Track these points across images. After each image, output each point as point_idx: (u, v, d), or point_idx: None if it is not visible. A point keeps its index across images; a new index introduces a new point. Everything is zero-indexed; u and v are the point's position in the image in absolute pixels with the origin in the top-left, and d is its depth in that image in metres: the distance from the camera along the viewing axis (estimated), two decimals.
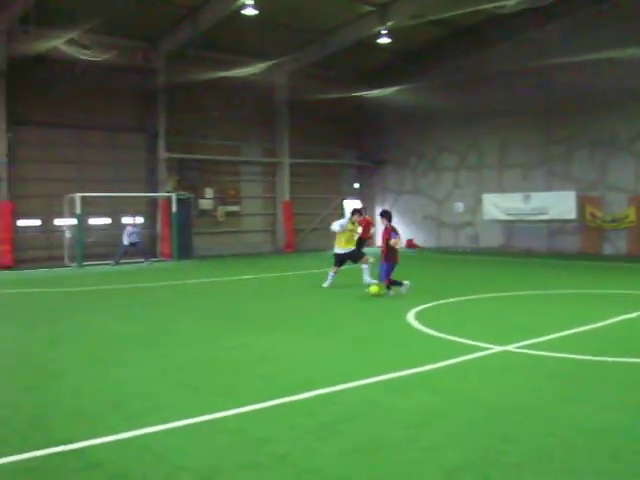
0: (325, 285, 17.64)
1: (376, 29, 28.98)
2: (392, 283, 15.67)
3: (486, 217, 32.29)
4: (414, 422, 6.47)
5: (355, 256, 18.03)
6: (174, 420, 6.46)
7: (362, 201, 37.53)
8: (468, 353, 9.31)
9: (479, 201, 32.73)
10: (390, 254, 15.50)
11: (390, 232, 15.58)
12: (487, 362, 9.01)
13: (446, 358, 8.98)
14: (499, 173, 32.62)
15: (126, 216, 28.84)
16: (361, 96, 34.19)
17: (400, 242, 16.00)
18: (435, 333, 10.85)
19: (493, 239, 32.66)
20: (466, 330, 10.97)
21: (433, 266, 26.06)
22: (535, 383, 7.90)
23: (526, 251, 30.54)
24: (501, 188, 32.27)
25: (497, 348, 9.63)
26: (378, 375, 8.10)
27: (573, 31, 28.74)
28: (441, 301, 14.58)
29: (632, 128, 28.05)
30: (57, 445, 5.82)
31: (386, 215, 16.14)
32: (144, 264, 26.79)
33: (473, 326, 11.65)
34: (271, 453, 5.65)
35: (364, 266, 17.86)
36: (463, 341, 10.13)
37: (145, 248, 28.00)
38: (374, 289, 15.75)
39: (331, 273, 17.89)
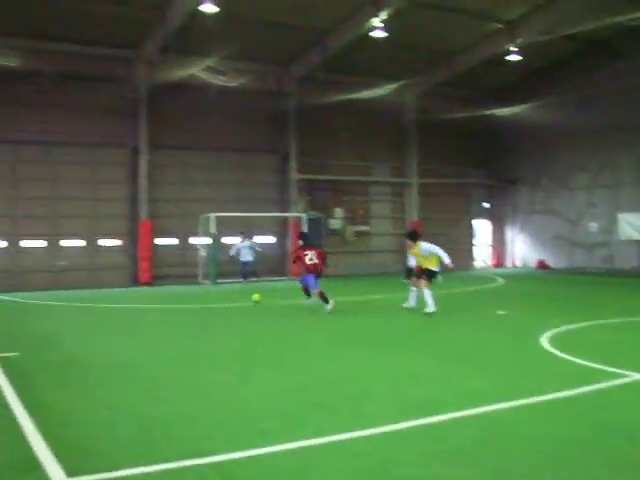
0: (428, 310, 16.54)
1: (505, 47, 28.66)
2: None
3: (622, 237, 31.23)
4: (548, 449, 6.25)
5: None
6: (306, 439, 6.52)
7: (492, 221, 37.10)
8: (606, 379, 8.97)
9: (614, 221, 31.69)
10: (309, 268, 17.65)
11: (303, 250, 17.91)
12: (627, 389, 8.70)
13: (582, 384, 8.69)
14: (636, 191, 31.46)
15: (258, 235, 29.66)
16: (490, 114, 33.83)
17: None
18: (570, 357, 10.57)
19: (629, 260, 31.52)
20: (602, 355, 10.60)
21: (565, 288, 25.41)
22: None
23: None
24: (638, 207, 31.11)
25: (637, 376, 9.30)
26: (511, 400, 7.92)
27: None
28: (575, 324, 14.20)
29: None
30: (191, 458, 5.94)
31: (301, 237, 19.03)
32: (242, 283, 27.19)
33: (609, 351, 11.26)
34: (400, 477, 5.58)
35: (414, 289, 17.30)
36: (599, 367, 9.79)
37: (252, 268, 27.94)
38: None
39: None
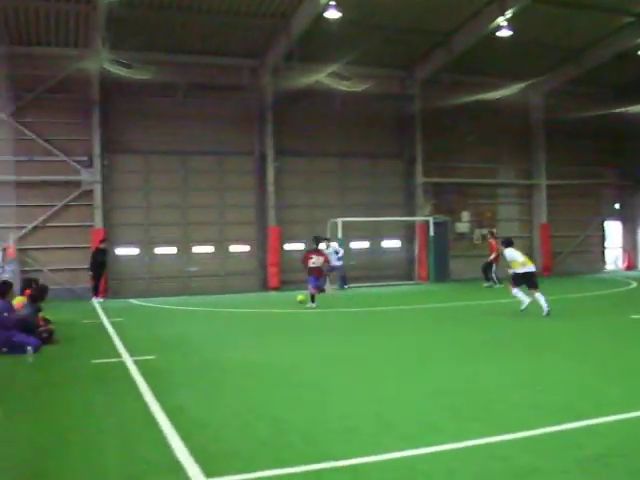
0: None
1: (637, 40, 27.66)
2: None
3: None
4: None
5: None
6: (443, 443, 6.46)
7: (623, 222, 35.91)
8: None
9: None
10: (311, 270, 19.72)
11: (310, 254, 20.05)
12: None
13: None
14: None
15: (385, 239, 29.71)
16: (620, 112, 32.68)
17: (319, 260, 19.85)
18: None
19: None
20: None
21: None
22: None
23: None
24: None
25: None
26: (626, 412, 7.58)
27: None
28: None
29: None
30: (329, 461, 5.98)
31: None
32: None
33: None
34: None
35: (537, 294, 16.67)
36: None
37: (341, 274, 27.53)
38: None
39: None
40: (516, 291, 16.82)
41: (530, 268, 16.82)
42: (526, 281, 16.66)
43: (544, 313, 15.83)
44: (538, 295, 16.28)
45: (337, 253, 26.31)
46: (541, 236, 33.54)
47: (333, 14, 22.26)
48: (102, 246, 24.77)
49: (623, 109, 32.39)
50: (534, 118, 33.60)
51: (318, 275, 19.76)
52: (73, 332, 15.54)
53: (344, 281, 27.33)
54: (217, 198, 28.59)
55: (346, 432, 6.94)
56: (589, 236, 35.61)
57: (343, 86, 27.17)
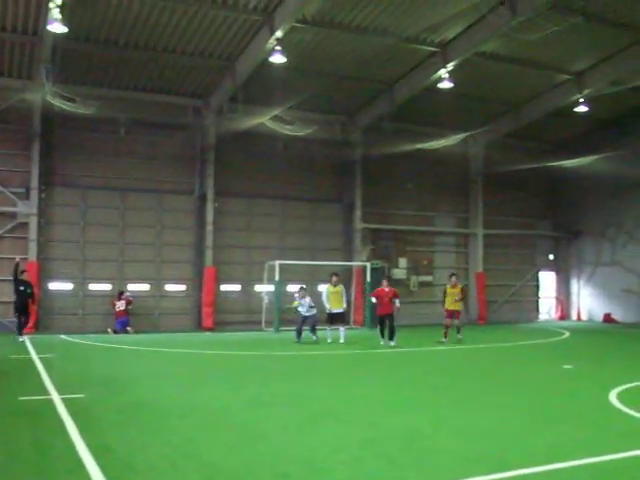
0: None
1: (573, 98, 28.52)
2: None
3: None
4: None
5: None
6: None
7: (557, 273, 36.69)
8: None
9: None
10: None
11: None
12: None
13: None
14: None
15: (322, 284, 29.57)
16: (557, 166, 33.54)
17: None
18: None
19: None
20: None
21: (634, 343, 24.86)
22: None
23: None
24: None
25: None
26: (578, 458, 7.73)
27: None
28: None
29: None
30: None
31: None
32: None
33: None
34: None
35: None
36: None
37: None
38: None
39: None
40: None
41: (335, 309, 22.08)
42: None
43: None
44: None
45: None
46: (477, 285, 33.98)
47: (278, 59, 22.46)
48: (22, 277, 22.94)
49: (559, 163, 33.24)
50: (473, 168, 34.25)
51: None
52: (0, 368, 15.16)
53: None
54: (155, 236, 28.37)
55: (276, 478, 6.86)
56: (524, 286, 36.22)
57: (286, 130, 27.36)
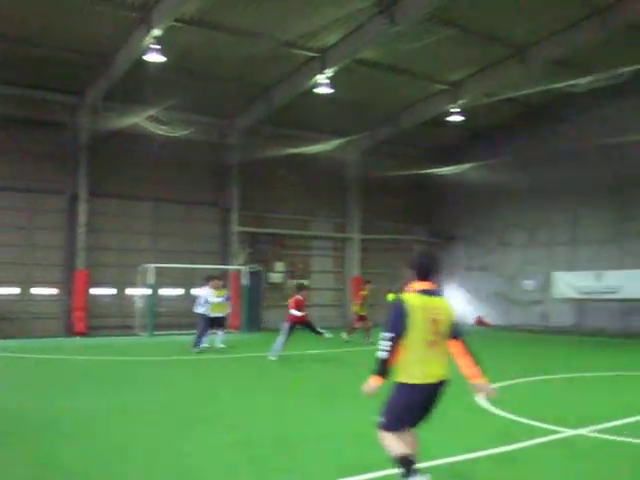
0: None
1: (448, 107, 29.25)
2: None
3: (557, 295, 31.74)
4: None
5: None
6: None
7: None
8: (540, 436, 9.09)
9: (549, 278, 32.27)
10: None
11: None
12: (559, 446, 8.76)
13: (516, 441, 8.77)
14: (570, 250, 32.16)
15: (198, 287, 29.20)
16: (432, 173, 34.33)
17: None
18: (506, 414, 10.64)
19: (564, 318, 32.00)
20: (536, 412, 10.73)
21: (502, 345, 25.67)
22: (609, 469, 7.65)
23: (598, 331, 29.82)
24: (572, 266, 31.76)
25: (570, 431, 9.39)
26: (443, 457, 7.92)
27: None
28: (511, 381, 14.31)
29: None
30: None
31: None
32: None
33: (544, 407, 11.40)
34: None
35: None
36: (535, 423, 9.90)
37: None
38: None
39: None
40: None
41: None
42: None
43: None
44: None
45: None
46: (353, 289, 34.31)
47: (155, 58, 22.04)
48: None
49: (434, 170, 34.02)
50: (351, 174, 34.59)
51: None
52: None
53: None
54: (24, 238, 27.23)
55: None
56: (400, 289, 36.67)
57: (161, 131, 26.88)
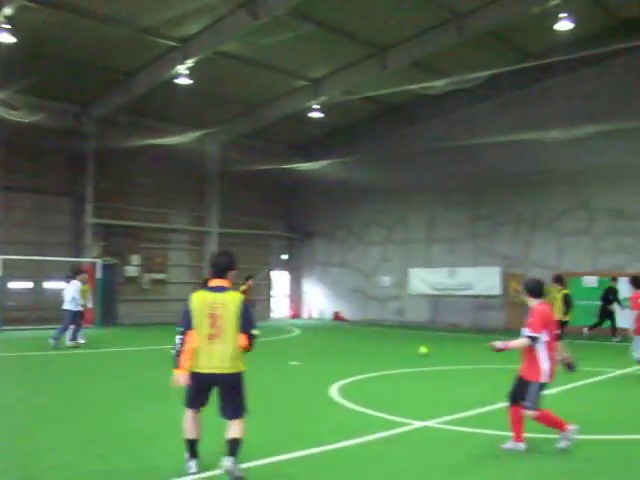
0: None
1: (308, 103, 29.40)
2: None
3: (412, 291, 32.56)
4: None
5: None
6: None
7: (290, 272, 37.68)
8: (389, 428, 9.24)
9: (405, 275, 33.08)
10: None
11: None
12: (408, 438, 8.96)
13: (366, 433, 8.88)
14: (426, 248, 33.10)
15: (50, 280, 28.26)
16: (292, 168, 34.45)
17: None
18: (357, 408, 10.76)
19: (419, 313, 32.88)
20: (388, 405, 10.92)
21: (358, 339, 26.09)
22: (454, 459, 7.84)
23: (451, 326, 30.80)
24: (428, 263, 32.71)
25: (418, 423, 9.59)
26: (294, 451, 7.95)
27: (500, 112, 29.79)
28: (364, 375, 14.54)
29: (554, 207, 28.93)
30: None
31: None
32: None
33: (396, 401, 11.61)
34: None
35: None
36: (384, 416, 10.06)
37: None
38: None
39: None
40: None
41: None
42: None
43: None
44: None
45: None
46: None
47: (6, 38, 20.95)
48: None
49: (294, 166, 34.14)
50: (210, 167, 34.22)
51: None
52: None
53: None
54: None
55: None
56: (258, 284, 36.72)
57: (10, 116, 25.63)
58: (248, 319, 6.80)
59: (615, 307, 24.22)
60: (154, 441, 8.46)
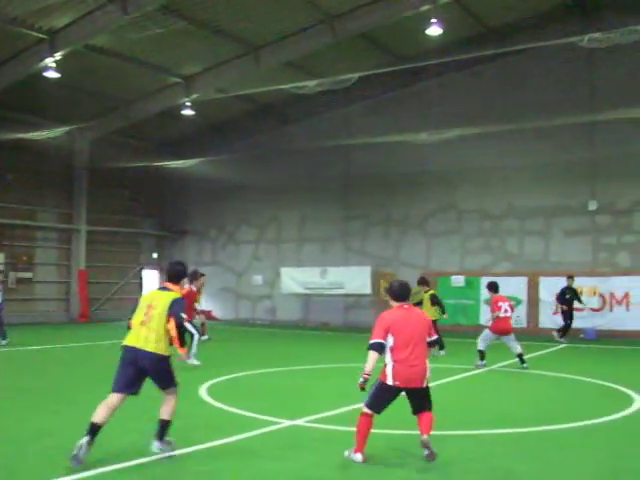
0: None
1: (181, 101, 29.07)
2: None
3: (284, 290, 32.71)
4: None
5: None
6: None
7: (160, 271, 37.20)
8: (257, 428, 9.27)
9: (277, 274, 33.19)
10: None
11: None
12: (276, 436, 9.02)
13: (234, 433, 8.89)
14: (298, 247, 33.35)
15: None
16: (164, 166, 33.94)
17: None
18: (226, 407, 10.76)
19: (291, 312, 33.09)
20: (258, 404, 10.95)
21: (230, 339, 26.07)
22: (321, 457, 7.96)
23: (322, 325, 31.12)
24: (299, 262, 32.95)
25: (287, 422, 9.67)
26: (161, 452, 7.85)
27: (373, 113, 30.35)
28: (235, 374, 14.55)
29: (424, 208, 29.75)
30: None
31: None
32: None
33: (266, 400, 11.66)
34: None
35: None
36: (253, 415, 10.09)
37: None
38: None
39: None
40: None
41: None
42: None
43: None
44: None
45: None
46: (79, 282, 33.14)
47: None
48: None
49: (165, 163, 33.65)
50: (79, 164, 33.31)
51: None
52: None
53: None
54: None
55: None
56: (127, 283, 36.13)
57: None
58: (175, 310, 7.80)
59: (577, 305, 24.69)
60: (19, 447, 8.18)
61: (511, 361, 16.58)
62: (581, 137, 26.22)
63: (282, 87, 25.34)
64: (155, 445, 7.77)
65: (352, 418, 9.94)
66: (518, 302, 26.54)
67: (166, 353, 7.72)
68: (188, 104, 29.08)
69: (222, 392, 12.19)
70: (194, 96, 28.61)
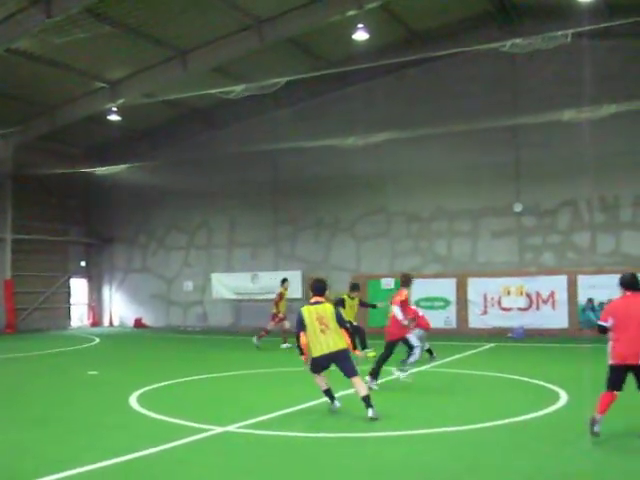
0: None
1: (107, 106, 28.66)
2: None
3: (215, 296, 32.56)
4: None
5: None
6: None
7: (89, 279, 36.64)
8: (189, 435, 9.18)
9: (208, 280, 33.01)
10: None
11: None
12: (208, 443, 8.97)
13: (166, 441, 8.78)
14: (228, 252, 33.21)
15: None
16: (91, 172, 33.37)
17: None
18: (157, 416, 10.64)
19: (222, 318, 32.94)
20: (189, 411, 10.89)
21: (160, 346, 25.80)
22: (253, 463, 7.94)
23: (254, 330, 30.92)
24: (230, 267, 32.83)
25: (219, 429, 9.61)
26: (91, 463, 7.72)
27: (301, 117, 30.31)
28: (166, 382, 14.39)
29: (353, 212, 29.92)
30: None
31: None
32: None
33: (197, 407, 11.60)
34: None
35: None
36: (185, 423, 10.00)
37: None
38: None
39: None
40: None
41: None
42: None
43: None
44: None
45: None
46: (5, 292, 32.35)
47: None
48: None
49: (91, 169, 33.11)
50: (2, 170, 32.53)
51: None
52: None
53: None
54: None
55: None
56: (55, 293, 35.44)
57: None
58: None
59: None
60: None
61: (440, 362, 16.84)
62: (505, 140, 26.74)
63: (209, 92, 25.26)
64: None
65: (284, 423, 10.02)
66: (447, 303, 27.02)
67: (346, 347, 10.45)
68: (114, 109, 28.73)
69: (153, 400, 12.07)
70: (120, 101, 28.20)
